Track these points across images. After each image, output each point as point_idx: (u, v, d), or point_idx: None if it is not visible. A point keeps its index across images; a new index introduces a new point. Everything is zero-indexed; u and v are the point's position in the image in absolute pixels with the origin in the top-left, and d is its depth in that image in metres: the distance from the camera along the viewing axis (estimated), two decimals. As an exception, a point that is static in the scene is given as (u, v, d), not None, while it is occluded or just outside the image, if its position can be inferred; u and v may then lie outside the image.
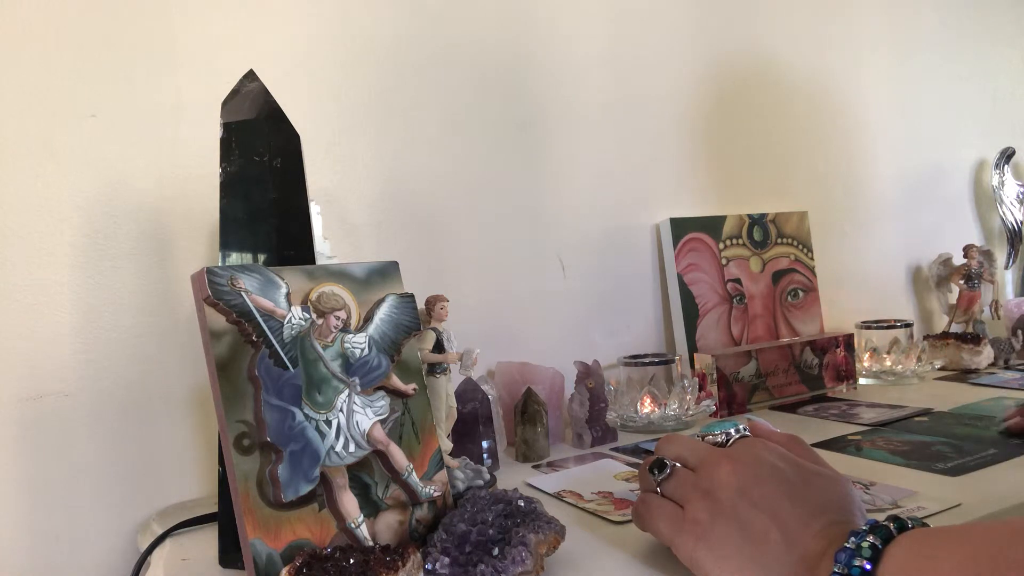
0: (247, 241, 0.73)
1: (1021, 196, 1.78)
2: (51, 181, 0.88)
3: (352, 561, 0.56)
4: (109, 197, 0.91)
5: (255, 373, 0.61)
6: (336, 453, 0.64)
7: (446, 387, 0.81)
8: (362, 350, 0.68)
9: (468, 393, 0.95)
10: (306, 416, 0.63)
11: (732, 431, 0.63)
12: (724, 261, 1.36)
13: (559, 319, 1.24)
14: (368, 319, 0.70)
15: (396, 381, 0.70)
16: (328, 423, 0.64)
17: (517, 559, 0.57)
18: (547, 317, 1.23)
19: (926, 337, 1.48)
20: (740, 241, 1.38)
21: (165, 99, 0.94)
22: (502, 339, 1.16)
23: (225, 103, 0.75)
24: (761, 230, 1.42)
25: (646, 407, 1.11)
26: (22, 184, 0.87)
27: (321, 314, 0.67)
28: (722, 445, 0.62)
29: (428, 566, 0.60)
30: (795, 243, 1.45)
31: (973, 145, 1.82)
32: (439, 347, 0.80)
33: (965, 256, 1.57)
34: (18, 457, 0.86)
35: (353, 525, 0.63)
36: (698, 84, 1.40)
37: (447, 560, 0.60)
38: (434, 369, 0.80)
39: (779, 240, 1.43)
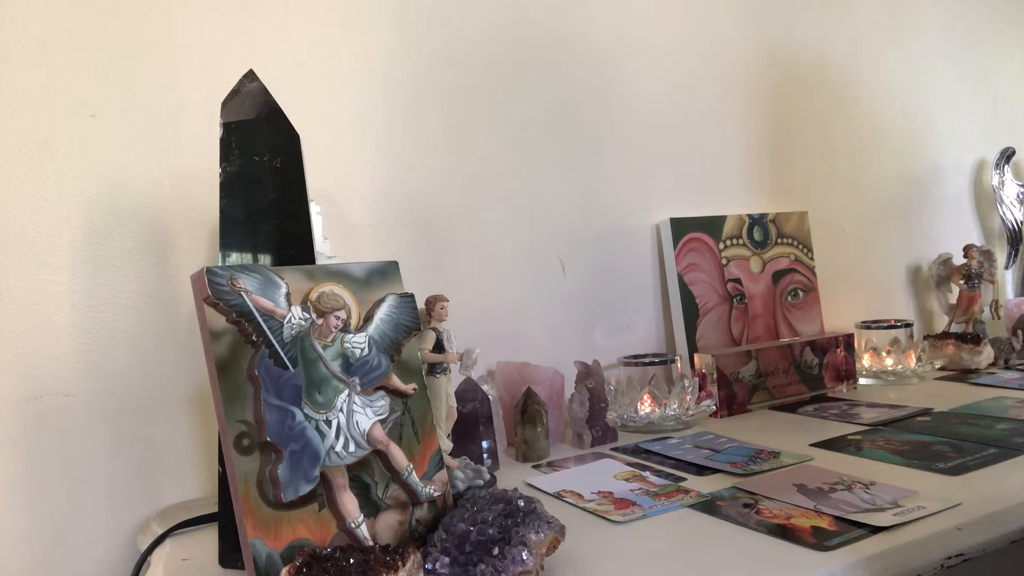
0: (247, 241, 0.73)
1: (1021, 196, 1.78)
2: (51, 181, 0.88)
3: (352, 561, 0.56)
4: (109, 197, 0.91)
5: (255, 373, 0.61)
6: (336, 453, 0.64)
7: (446, 387, 0.81)
8: (362, 350, 0.68)
9: (468, 393, 0.95)
10: (306, 416, 0.63)
11: None
12: (724, 261, 1.36)
13: (559, 319, 1.24)
14: (368, 319, 0.70)
15: (396, 381, 0.70)
16: (328, 423, 0.64)
17: (517, 559, 0.57)
18: (547, 317, 1.23)
19: (926, 337, 1.48)
20: (740, 241, 1.38)
21: (165, 99, 0.94)
22: (502, 339, 1.16)
23: (225, 103, 0.75)
24: (761, 230, 1.41)
25: (646, 407, 1.11)
26: (22, 184, 0.87)
27: (321, 314, 0.67)
28: None
29: (428, 566, 0.60)
30: (795, 243, 1.45)
31: (973, 145, 1.82)
32: (439, 347, 0.80)
33: (965, 256, 1.57)
34: (18, 457, 0.86)
35: (353, 525, 0.63)
36: (698, 85, 1.40)
37: (447, 560, 0.60)
38: (434, 369, 0.80)
39: (779, 240, 1.43)
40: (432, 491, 0.68)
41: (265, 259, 0.73)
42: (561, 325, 1.24)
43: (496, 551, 0.59)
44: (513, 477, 0.91)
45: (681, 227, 1.32)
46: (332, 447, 0.64)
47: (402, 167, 1.11)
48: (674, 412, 1.10)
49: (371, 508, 0.65)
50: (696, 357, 1.21)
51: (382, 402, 0.68)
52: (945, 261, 1.64)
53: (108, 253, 0.91)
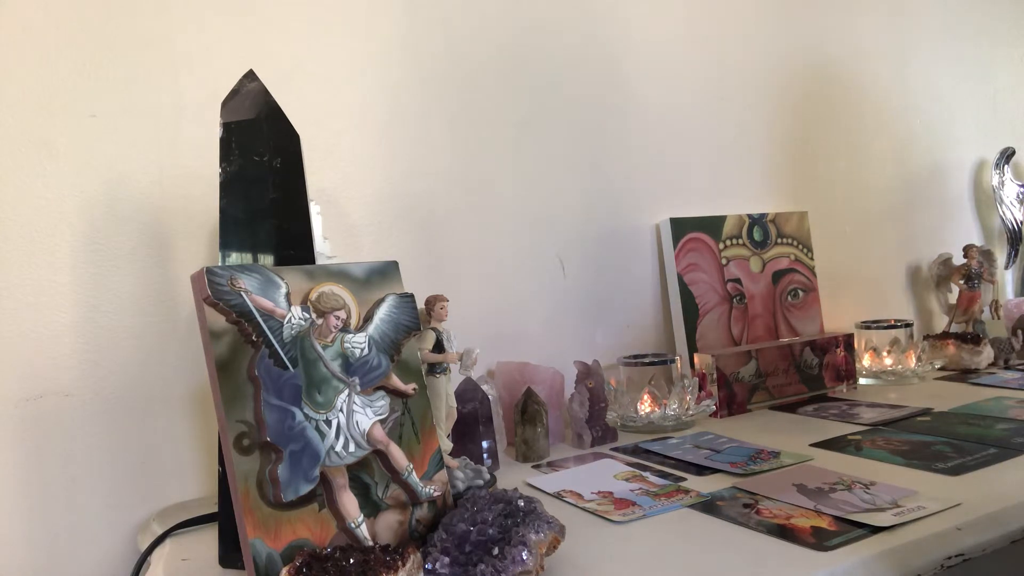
0: (247, 241, 0.73)
1: (1021, 196, 1.78)
2: (51, 181, 0.88)
3: (352, 561, 0.56)
4: (109, 197, 0.91)
5: (255, 373, 0.61)
6: (336, 453, 0.64)
7: (446, 387, 0.81)
8: (362, 350, 0.68)
9: (468, 393, 0.95)
10: (306, 416, 0.63)
11: None
12: (724, 261, 1.36)
13: (559, 319, 1.24)
14: (368, 319, 0.70)
15: (396, 381, 0.70)
16: (328, 423, 0.64)
17: (517, 559, 0.57)
18: (547, 317, 1.23)
19: (926, 337, 1.48)
20: (740, 241, 1.38)
21: (165, 99, 0.94)
22: (502, 339, 1.16)
23: (225, 103, 0.75)
24: (761, 230, 1.41)
25: (646, 407, 1.11)
26: (22, 184, 0.87)
27: (321, 314, 0.67)
28: None
29: (428, 566, 0.60)
30: (795, 243, 1.45)
31: (973, 145, 1.82)
32: (439, 347, 0.80)
33: (965, 256, 1.57)
34: (18, 457, 0.86)
35: (353, 525, 0.63)
36: (698, 86, 1.40)
37: (447, 560, 0.60)
38: (434, 369, 0.80)
39: (779, 240, 1.43)
40: (432, 491, 0.68)
41: (265, 259, 0.73)
42: (561, 325, 1.24)
43: (496, 551, 0.59)
44: (513, 477, 0.91)
45: (681, 227, 1.32)
46: (332, 447, 0.64)
47: (402, 167, 1.11)
48: (674, 412, 1.10)
49: (371, 508, 0.65)
50: (696, 357, 1.21)
51: (382, 402, 0.68)
52: (945, 261, 1.64)
53: (108, 253, 0.91)
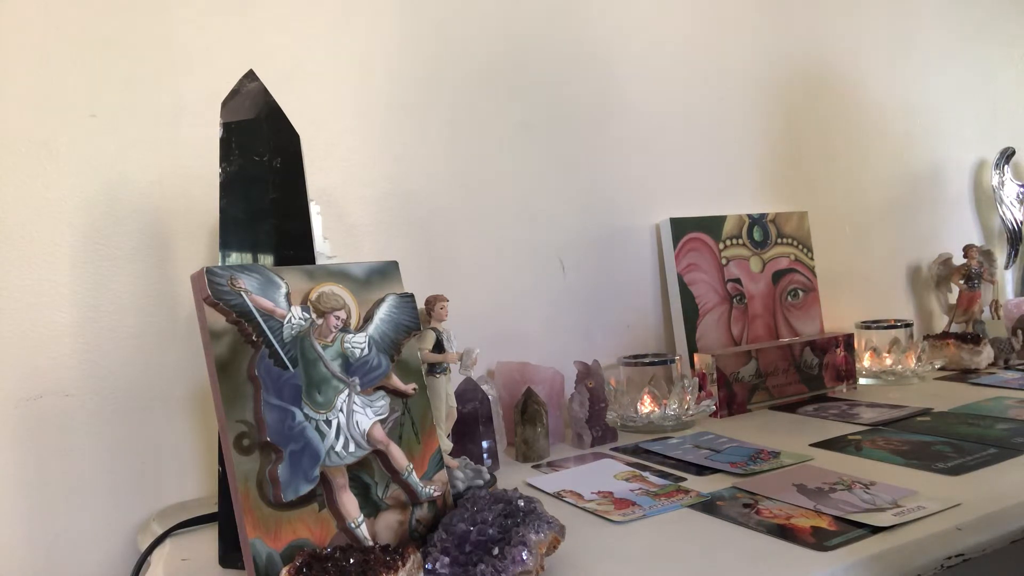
0: (247, 241, 0.73)
1: (1021, 196, 1.78)
2: (51, 181, 0.88)
3: (352, 561, 0.56)
4: (109, 197, 0.91)
5: (255, 373, 0.61)
6: (336, 453, 0.64)
7: (446, 387, 0.81)
8: (362, 350, 0.68)
9: (468, 393, 0.95)
10: (306, 416, 0.63)
11: None
12: (724, 261, 1.36)
13: (559, 319, 1.24)
14: (368, 319, 0.70)
15: (396, 381, 0.70)
16: (328, 423, 0.64)
17: (517, 559, 0.57)
18: (547, 317, 1.23)
19: (926, 337, 1.48)
20: (740, 241, 1.38)
21: (165, 99, 0.94)
22: (502, 339, 1.16)
23: (225, 103, 0.75)
24: (761, 230, 1.41)
25: (646, 407, 1.11)
26: (22, 184, 0.87)
27: (321, 314, 0.67)
28: None
29: (428, 566, 0.60)
30: (795, 243, 1.45)
31: (973, 145, 1.82)
32: (439, 347, 0.80)
33: (965, 256, 1.57)
34: (18, 457, 0.86)
35: (353, 525, 0.63)
36: (698, 86, 1.40)
37: (447, 560, 0.60)
38: (434, 369, 0.80)
39: (779, 240, 1.43)
40: (432, 491, 0.68)
41: (265, 259, 0.73)
42: (561, 325, 1.24)
43: (496, 551, 0.59)
44: (513, 477, 0.91)
45: (681, 227, 1.32)
46: (332, 447, 0.64)
47: (402, 167, 1.11)
48: (674, 412, 1.10)
49: (371, 508, 0.65)
50: (696, 357, 1.21)
51: (382, 402, 0.68)
52: (945, 261, 1.64)
53: (108, 253, 0.91)
